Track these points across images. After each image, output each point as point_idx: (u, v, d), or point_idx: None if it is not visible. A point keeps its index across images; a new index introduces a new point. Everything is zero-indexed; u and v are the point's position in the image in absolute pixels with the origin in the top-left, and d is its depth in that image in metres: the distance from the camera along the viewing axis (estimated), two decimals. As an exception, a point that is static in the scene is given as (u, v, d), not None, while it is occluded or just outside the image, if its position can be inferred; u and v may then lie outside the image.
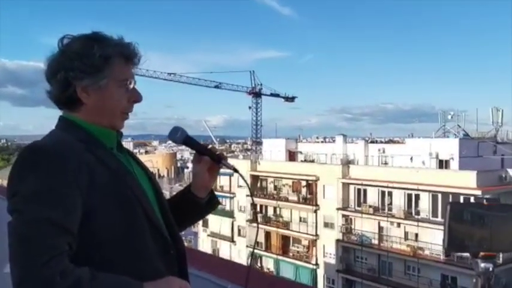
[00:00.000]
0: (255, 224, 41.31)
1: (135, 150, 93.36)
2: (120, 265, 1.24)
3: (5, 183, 1.24)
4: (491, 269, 1.19)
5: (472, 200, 1.28)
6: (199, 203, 1.61)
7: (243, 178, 1.87)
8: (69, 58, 1.31)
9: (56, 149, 1.24)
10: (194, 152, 1.65)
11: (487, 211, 1.19)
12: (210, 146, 1.60)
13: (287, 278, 23.28)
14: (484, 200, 1.17)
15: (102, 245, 1.24)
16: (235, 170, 1.66)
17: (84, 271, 1.13)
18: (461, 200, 28.90)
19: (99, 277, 1.15)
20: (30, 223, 1.13)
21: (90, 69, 1.31)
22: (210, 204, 1.66)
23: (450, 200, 29.38)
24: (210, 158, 1.57)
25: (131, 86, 1.41)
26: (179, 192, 1.67)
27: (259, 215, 41.25)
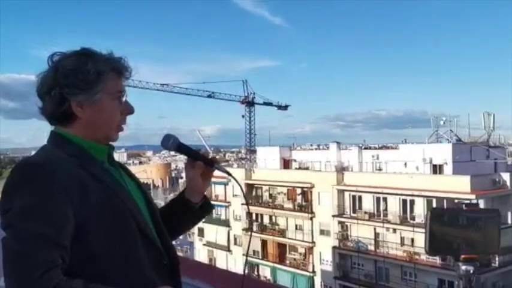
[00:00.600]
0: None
1: (129, 161, 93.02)
2: (114, 277, 1.27)
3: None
4: (472, 271, 1.24)
5: (457, 204, 1.36)
6: (193, 208, 1.63)
7: (237, 182, 1.91)
8: (64, 75, 1.34)
9: (48, 165, 1.27)
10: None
11: (467, 216, 1.25)
12: (202, 151, 1.63)
13: (283, 286, 23.24)
14: (464, 205, 1.23)
15: (96, 257, 1.27)
16: (229, 174, 1.73)
17: (77, 283, 1.17)
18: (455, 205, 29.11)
19: (92, 286, 1.18)
20: (24, 238, 1.16)
21: (85, 85, 1.34)
22: (204, 209, 1.68)
23: (445, 204, 29.59)
24: (203, 162, 1.59)
25: (123, 99, 1.45)
26: (174, 199, 1.70)
27: (254, 224, 41.21)
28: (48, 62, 1.38)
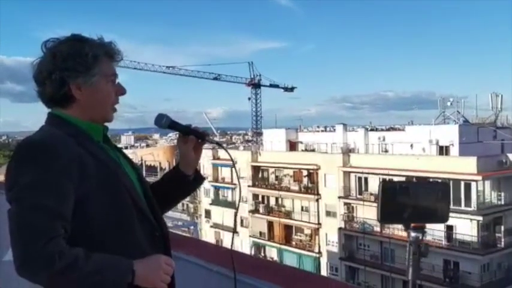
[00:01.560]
0: (257, 215, 41.59)
1: (136, 144, 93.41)
2: (111, 247, 1.36)
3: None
4: (420, 237, 1.37)
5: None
6: (187, 180, 1.75)
7: (228, 153, 1.97)
8: (62, 59, 1.42)
9: (49, 143, 1.36)
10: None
11: (416, 188, 1.36)
12: (193, 126, 1.72)
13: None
14: (414, 178, 1.30)
15: (94, 229, 1.37)
16: (219, 145, 1.88)
17: (79, 250, 1.27)
18: (462, 186, 29.11)
19: (93, 256, 1.28)
20: (29, 210, 1.26)
21: (83, 68, 1.44)
22: (196, 180, 1.80)
23: (451, 186, 29.50)
24: (195, 136, 1.71)
25: (116, 81, 1.55)
26: (168, 173, 1.82)
27: (261, 205, 41.50)
28: (42, 48, 1.45)
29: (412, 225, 1.36)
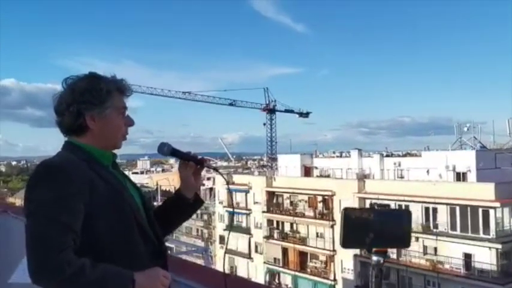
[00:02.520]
0: (272, 241, 41.26)
1: (152, 169, 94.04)
2: (115, 259, 1.51)
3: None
4: (381, 261, 1.43)
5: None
6: (188, 203, 1.91)
7: (224, 178, 2.28)
8: (80, 93, 1.62)
9: (65, 166, 1.54)
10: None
11: (377, 214, 1.44)
12: (192, 153, 1.89)
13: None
14: (376, 206, 1.37)
15: (101, 242, 1.53)
16: (217, 170, 2.07)
17: (86, 260, 1.42)
18: (480, 213, 28.59)
19: (98, 265, 1.43)
20: (44, 223, 1.42)
21: (98, 101, 1.64)
22: (196, 203, 1.96)
23: (469, 213, 29.08)
24: (194, 163, 1.88)
25: (126, 113, 1.74)
26: (171, 197, 1.97)
27: (275, 231, 41.20)
28: (62, 84, 1.66)
29: (374, 249, 1.42)
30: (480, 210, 28.64)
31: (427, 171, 34.40)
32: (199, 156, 1.89)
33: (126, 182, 1.73)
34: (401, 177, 36.85)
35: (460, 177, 33.29)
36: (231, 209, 46.15)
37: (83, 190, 1.49)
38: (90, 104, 1.61)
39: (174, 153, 1.86)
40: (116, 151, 1.77)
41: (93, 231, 1.51)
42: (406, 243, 1.47)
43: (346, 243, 1.42)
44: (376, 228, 1.40)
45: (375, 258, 1.42)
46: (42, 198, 1.45)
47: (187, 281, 2.24)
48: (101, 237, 1.53)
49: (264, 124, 63.98)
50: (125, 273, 1.47)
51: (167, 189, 54.85)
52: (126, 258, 1.54)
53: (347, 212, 1.42)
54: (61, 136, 1.69)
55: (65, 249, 1.39)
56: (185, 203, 1.90)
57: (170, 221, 1.91)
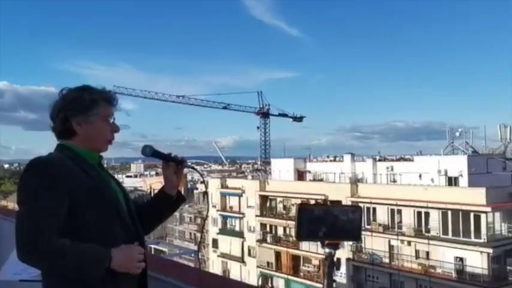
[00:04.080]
0: (265, 244, 41.30)
1: (146, 172, 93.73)
2: (95, 243, 1.67)
3: (17, 207, 1.73)
4: (333, 253, 1.55)
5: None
6: (170, 200, 2.10)
7: (201, 175, 2.56)
8: (68, 102, 1.85)
9: (52, 161, 1.77)
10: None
11: (329, 209, 1.56)
12: (173, 154, 2.07)
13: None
14: (328, 202, 1.47)
15: (84, 230, 1.71)
16: (195, 169, 2.31)
17: (66, 240, 1.62)
18: (472, 218, 28.79)
19: (78, 244, 1.63)
20: (34, 209, 1.63)
21: (83, 109, 1.84)
22: (178, 200, 2.14)
23: (461, 217, 29.28)
24: (174, 163, 2.05)
25: (111, 121, 1.93)
26: (155, 194, 2.14)
27: (268, 235, 41.23)
28: (59, 94, 1.88)
29: (327, 242, 1.52)
30: (472, 214, 28.86)
31: (420, 176, 34.62)
32: (179, 157, 2.06)
33: (110, 179, 1.92)
34: (394, 181, 37.05)
35: (452, 181, 33.52)
36: (224, 213, 46.12)
37: (67, 181, 1.68)
38: (76, 112, 1.82)
39: (156, 154, 2.02)
40: (109, 154, 1.94)
41: (77, 219, 1.69)
42: (357, 237, 1.57)
43: (300, 236, 1.53)
44: (328, 223, 1.49)
45: (327, 250, 1.53)
46: (31, 188, 1.66)
47: (166, 278, 2.32)
48: (84, 224, 1.70)
49: (258, 128, 64.15)
50: (102, 250, 1.65)
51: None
52: (107, 245, 1.69)
53: (301, 208, 1.54)
54: (54, 139, 1.88)
55: (48, 231, 1.58)
56: (168, 200, 2.09)
57: (155, 215, 2.10)
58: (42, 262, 1.62)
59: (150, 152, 2.00)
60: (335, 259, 1.50)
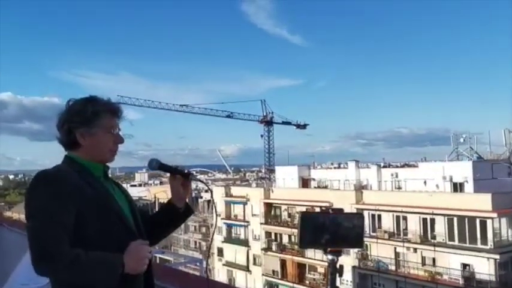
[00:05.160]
0: (270, 253, 41.15)
1: (150, 181, 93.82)
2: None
3: (22, 217, 1.74)
4: (336, 260, 1.56)
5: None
6: (178, 212, 2.10)
7: (209, 189, 2.44)
8: (71, 114, 1.89)
9: (58, 174, 1.80)
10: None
11: (332, 217, 1.57)
12: (179, 167, 2.08)
13: None
14: (330, 210, 1.50)
15: (88, 240, 1.73)
16: (202, 181, 2.30)
17: (78, 250, 1.65)
18: (478, 224, 28.61)
19: (91, 253, 1.66)
20: (41, 222, 1.66)
21: (86, 122, 1.87)
22: (186, 212, 2.14)
23: (466, 224, 29.10)
24: (181, 176, 2.06)
25: (115, 132, 1.95)
26: (162, 206, 2.16)
27: (273, 243, 41.09)
28: (66, 105, 1.92)
29: (329, 249, 1.54)
30: (478, 220, 28.68)
31: (424, 182, 34.49)
32: (186, 170, 2.06)
33: (115, 190, 1.96)
34: (399, 188, 36.91)
35: (457, 187, 33.37)
36: (229, 221, 46.04)
37: (73, 194, 1.71)
38: (79, 124, 1.85)
39: (162, 167, 2.03)
40: (114, 164, 2.00)
41: (82, 230, 1.72)
42: (359, 244, 1.59)
43: (303, 244, 1.55)
44: (331, 230, 1.51)
45: (329, 257, 1.54)
46: (38, 201, 1.68)
47: (172, 287, 2.32)
48: (90, 235, 1.73)
49: (262, 136, 64.18)
50: (115, 257, 1.68)
51: (165, 201, 54.74)
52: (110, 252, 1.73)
53: (304, 216, 1.55)
54: (58, 150, 1.91)
55: (62, 242, 1.63)
56: (176, 212, 2.09)
57: (162, 228, 2.11)
58: (60, 273, 1.64)
59: (156, 166, 2.01)
60: (338, 266, 1.52)
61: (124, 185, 2.15)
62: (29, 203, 1.72)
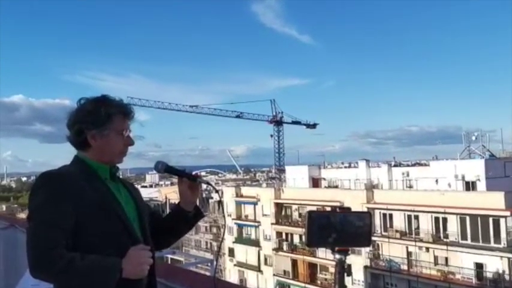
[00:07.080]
0: (281, 253, 41.12)
1: (161, 182, 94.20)
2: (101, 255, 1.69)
3: None
4: (343, 259, 1.56)
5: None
6: (187, 215, 2.05)
7: (216, 191, 2.33)
8: (83, 114, 1.85)
9: (60, 176, 1.78)
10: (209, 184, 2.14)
11: (339, 216, 1.56)
12: (186, 170, 2.03)
13: None
14: (338, 209, 1.49)
15: (88, 242, 1.71)
16: (209, 184, 2.22)
17: (75, 254, 1.63)
18: (491, 222, 28.32)
19: (88, 256, 1.63)
20: (39, 225, 1.65)
21: (97, 123, 1.84)
22: (196, 216, 2.09)
23: (479, 222, 28.83)
24: (188, 179, 2.00)
25: (126, 135, 1.92)
26: (172, 210, 2.11)
27: (284, 243, 41.05)
28: (77, 103, 1.88)
29: (337, 248, 1.54)
30: (490, 219, 28.39)
31: (436, 181, 34.25)
32: (194, 172, 2.01)
33: (122, 193, 1.91)
34: (410, 187, 36.69)
35: (470, 186, 33.08)
36: (239, 222, 46.08)
37: (73, 196, 1.69)
38: (91, 125, 1.82)
39: (168, 170, 2.00)
40: (125, 165, 1.97)
41: (83, 233, 1.70)
42: (367, 243, 1.58)
43: (310, 243, 1.54)
44: (338, 229, 1.50)
45: (337, 256, 1.54)
46: (37, 203, 1.67)
47: (180, 287, 2.31)
48: (90, 238, 1.70)
49: (271, 136, 64.16)
50: (112, 261, 1.65)
51: (176, 202, 54.88)
52: (111, 255, 1.68)
53: (311, 215, 1.54)
54: (70, 151, 1.89)
55: (57, 246, 1.60)
56: (186, 216, 2.04)
57: (172, 232, 2.07)
58: (54, 277, 1.63)
59: (162, 168, 1.98)
60: (346, 265, 1.51)
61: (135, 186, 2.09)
62: (29, 204, 1.72)
